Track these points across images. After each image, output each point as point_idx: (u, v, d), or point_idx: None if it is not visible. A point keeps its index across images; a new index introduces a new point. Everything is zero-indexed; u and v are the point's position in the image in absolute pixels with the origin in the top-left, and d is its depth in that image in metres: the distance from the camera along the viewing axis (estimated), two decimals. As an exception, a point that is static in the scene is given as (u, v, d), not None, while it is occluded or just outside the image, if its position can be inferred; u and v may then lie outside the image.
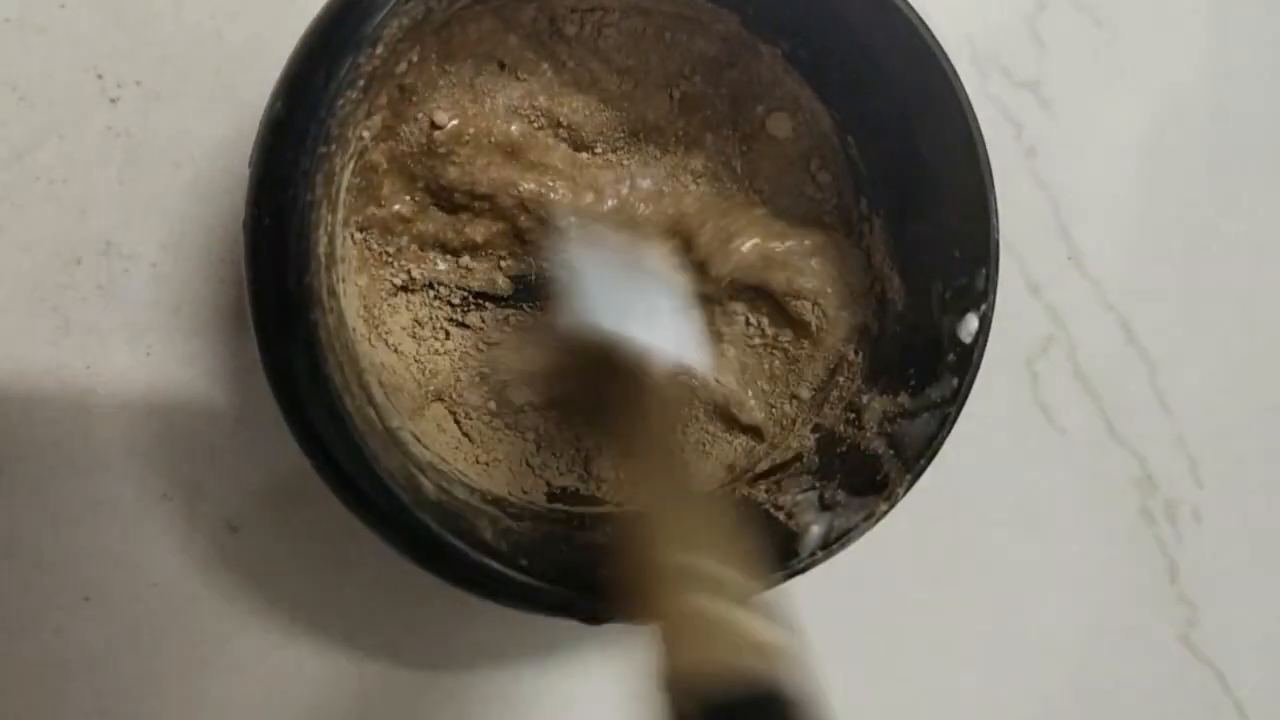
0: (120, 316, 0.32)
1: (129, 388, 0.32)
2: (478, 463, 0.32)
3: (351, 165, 0.28)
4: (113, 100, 0.32)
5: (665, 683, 0.20)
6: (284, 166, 0.24)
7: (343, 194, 0.28)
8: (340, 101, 0.25)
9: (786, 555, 0.29)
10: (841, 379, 0.33)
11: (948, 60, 0.28)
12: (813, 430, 0.33)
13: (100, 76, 0.32)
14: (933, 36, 0.28)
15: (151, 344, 0.32)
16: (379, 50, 0.25)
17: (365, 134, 0.28)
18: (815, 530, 0.29)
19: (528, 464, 0.33)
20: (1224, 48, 0.39)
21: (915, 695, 0.38)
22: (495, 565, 0.27)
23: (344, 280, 0.29)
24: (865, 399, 0.31)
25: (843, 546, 0.29)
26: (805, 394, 0.33)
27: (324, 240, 0.26)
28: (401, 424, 0.30)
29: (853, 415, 0.31)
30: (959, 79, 0.28)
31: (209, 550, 0.33)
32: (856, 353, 0.32)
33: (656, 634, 0.21)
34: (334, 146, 0.25)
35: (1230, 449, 0.39)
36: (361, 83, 0.26)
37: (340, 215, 0.28)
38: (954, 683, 0.38)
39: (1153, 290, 0.39)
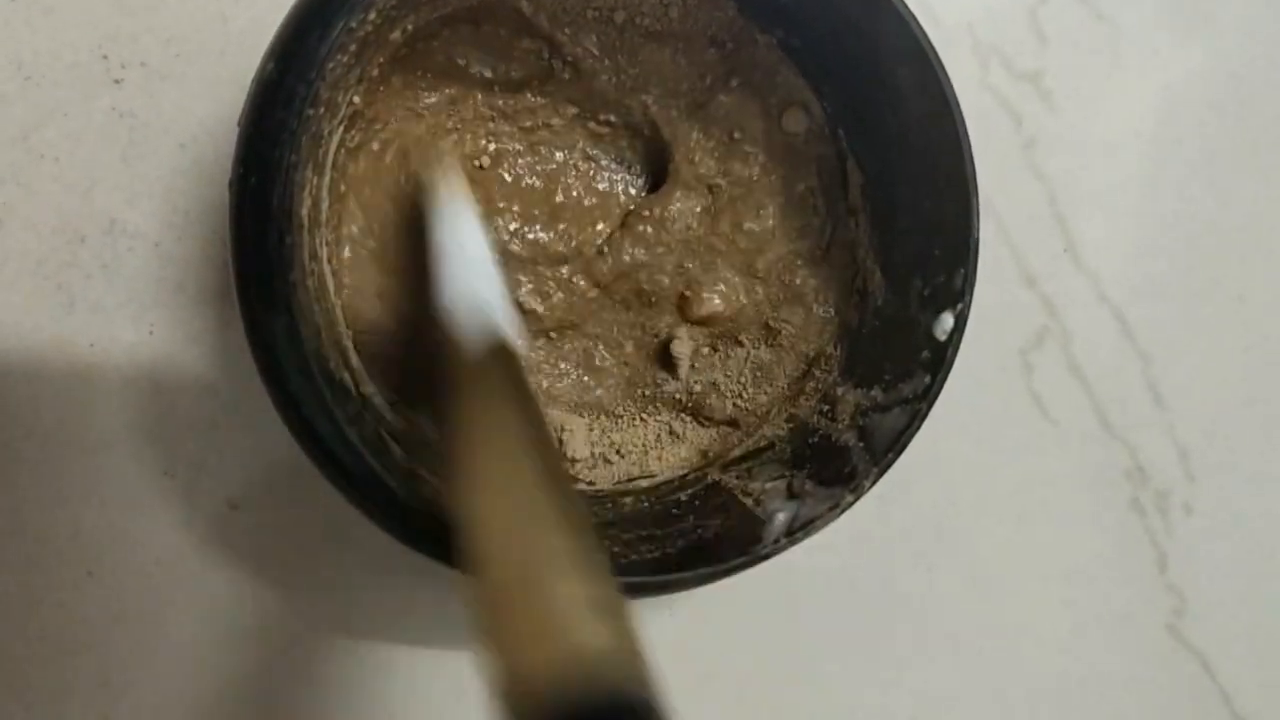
0: (124, 294, 0.33)
1: (132, 365, 0.33)
2: None
3: (341, 130, 0.28)
4: (117, 81, 0.32)
5: (503, 684, 0.18)
6: (272, 126, 0.24)
7: (330, 157, 0.28)
8: (330, 64, 0.25)
9: (751, 541, 0.29)
10: (819, 371, 0.33)
11: (937, 58, 0.28)
12: (787, 420, 0.33)
13: (106, 57, 0.32)
14: (923, 33, 0.28)
15: (154, 322, 0.33)
16: (371, 16, 0.25)
17: (356, 99, 0.28)
18: (780, 518, 0.29)
19: None
20: (1225, 44, 0.39)
21: (905, 680, 0.39)
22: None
23: (330, 242, 0.29)
24: (840, 391, 0.32)
25: (806, 535, 0.29)
26: (782, 384, 0.34)
27: (308, 202, 0.27)
28: (377, 389, 0.30)
29: (826, 407, 0.32)
30: (948, 78, 0.28)
31: (209, 527, 0.34)
32: (836, 346, 0.33)
33: (489, 624, 0.20)
34: (322, 109, 0.26)
35: (1221, 443, 0.40)
36: (353, 47, 0.26)
37: (328, 179, 0.28)
38: (943, 668, 0.39)
39: (1148, 284, 0.39)
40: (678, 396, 0.34)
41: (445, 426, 0.26)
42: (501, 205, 0.33)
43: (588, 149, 0.34)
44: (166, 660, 0.34)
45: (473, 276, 0.27)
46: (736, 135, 0.33)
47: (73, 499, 0.33)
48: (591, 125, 0.34)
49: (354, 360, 0.29)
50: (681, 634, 0.36)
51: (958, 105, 0.28)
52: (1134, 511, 0.39)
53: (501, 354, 0.26)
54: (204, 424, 0.33)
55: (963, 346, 0.38)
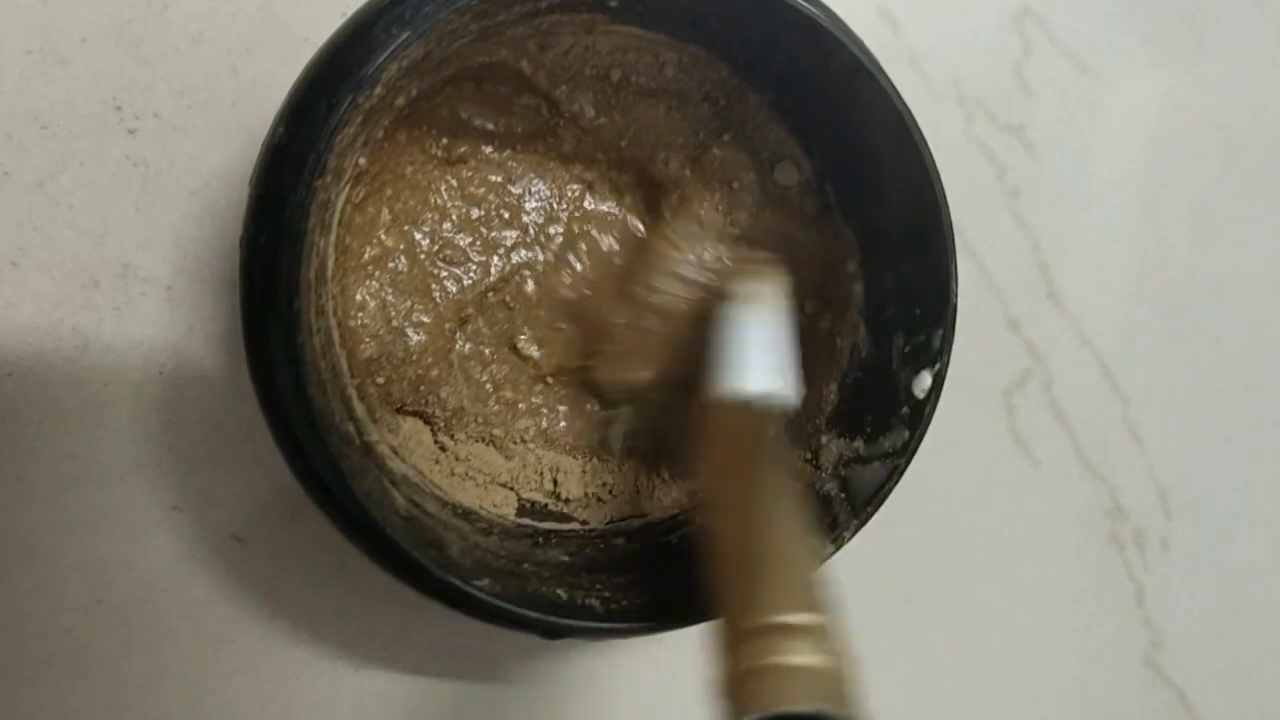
0: (136, 336, 0.34)
1: (143, 404, 0.34)
2: (452, 475, 0.34)
3: (347, 190, 0.29)
4: (131, 131, 0.33)
5: (723, 689, 0.22)
6: (283, 189, 0.25)
7: (337, 217, 0.29)
8: (339, 137, 0.26)
9: None
10: (806, 422, 0.34)
11: (918, 129, 0.29)
12: None
13: (119, 108, 0.33)
14: (904, 105, 0.29)
15: (165, 364, 0.34)
16: (378, 90, 0.27)
17: (361, 161, 0.30)
18: None
19: (498, 479, 0.34)
20: (1206, 96, 0.40)
21: (887, 712, 0.40)
22: (458, 583, 0.28)
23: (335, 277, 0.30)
24: (825, 440, 0.33)
25: None
26: (773, 431, 0.35)
27: (315, 264, 0.28)
28: (380, 438, 0.31)
29: (810, 455, 0.33)
30: (928, 150, 0.29)
31: (216, 559, 0.35)
32: (828, 398, 0.34)
33: (720, 642, 0.23)
34: (329, 177, 0.27)
35: (1199, 481, 0.41)
36: (360, 118, 0.27)
37: (333, 237, 0.30)
38: (924, 699, 0.40)
39: (1128, 327, 0.40)
40: None
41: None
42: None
43: (588, 201, 0.35)
44: (172, 689, 0.35)
45: (775, 365, 0.31)
46: (735, 185, 0.34)
47: (82, 530, 0.34)
48: (589, 176, 0.35)
49: (358, 410, 0.30)
50: (672, 667, 0.37)
51: (938, 178, 0.29)
52: (1113, 547, 0.40)
53: (769, 424, 0.29)
54: (211, 460, 0.34)
55: (948, 387, 0.39)
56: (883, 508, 0.39)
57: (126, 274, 0.33)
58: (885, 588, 0.39)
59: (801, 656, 0.22)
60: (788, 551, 0.25)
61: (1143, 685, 0.41)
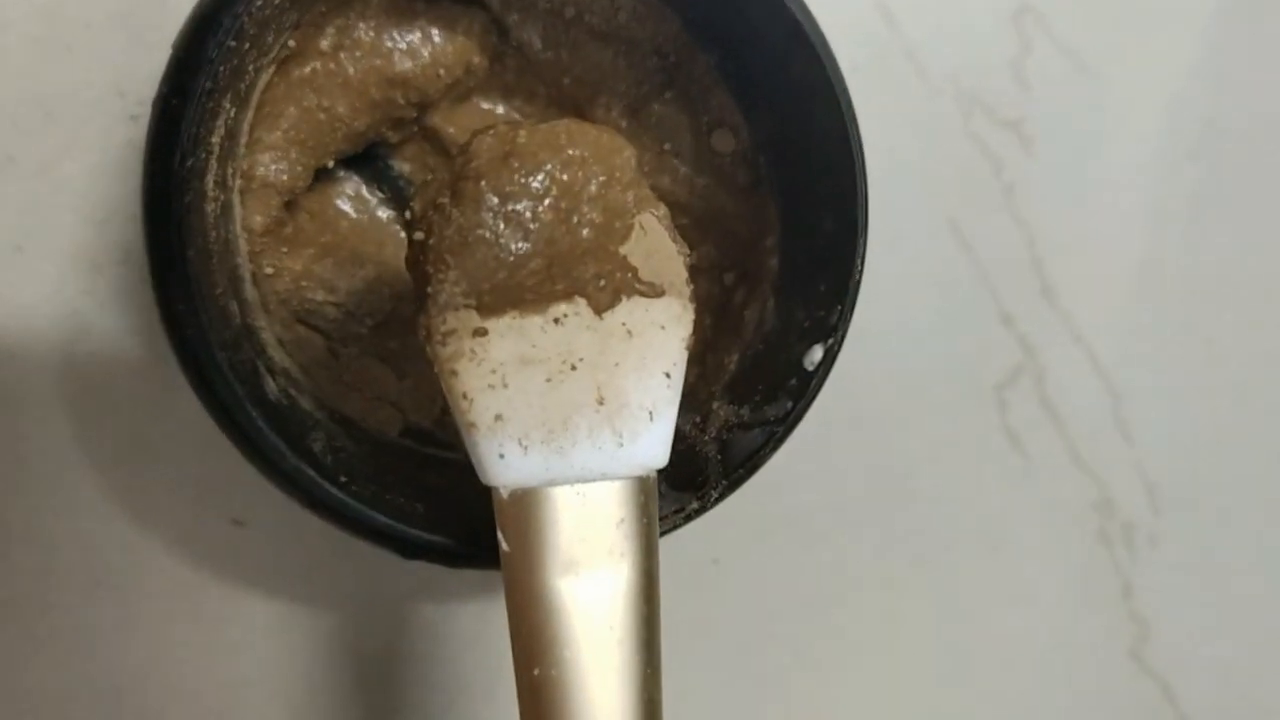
0: (137, 320, 0.34)
1: (146, 389, 0.34)
2: (340, 382, 0.33)
3: (271, 70, 0.30)
4: (133, 117, 0.33)
5: None
6: (200, 53, 0.26)
7: (257, 93, 0.30)
8: (259, 2, 0.26)
9: None
10: (703, 389, 0.34)
11: (848, 104, 0.29)
12: None
13: (122, 94, 0.33)
14: (837, 75, 0.29)
15: (166, 349, 0.34)
16: None
17: (291, 43, 0.30)
18: None
19: (388, 397, 0.34)
20: (1204, 96, 0.40)
21: (871, 704, 0.40)
22: (311, 473, 0.29)
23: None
24: (715, 405, 0.33)
25: None
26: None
27: (221, 131, 0.28)
28: (266, 325, 0.31)
29: (699, 418, 0.33)
30: (855, 124, 0.29)
31: (215, 542, 0.36)
32: (728, 368, 0.34)
33: None
34: (248, 45, 0.27)
35: (1188, 480, 0.41)
36: None
37: (250, 114, 0.30)
38: (909, 690, 0.41)
39: (1122, 325, 0.40)
40: None
41: None
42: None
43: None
44: (171, 669, 0.36)
45: None
46: (667, 148, 0.34)
47: (83, 512, 0.35)
48: (527, 110, 0.35)
49: (247, 292, 0.30)
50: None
51: (861, 156, 0.29)
52: (1101, 543, 0.41)
53: None
54: (212, 445, 0.35)
55: (939, 381, 0.40)
56: (870, 501, 0.40)
57: (129, 259, 0.34)
58: (871, 579, 0.40)
59: None
60: None
61: (1128, 677, 0.42)
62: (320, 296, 0.33)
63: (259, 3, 0.26)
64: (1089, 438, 0.40)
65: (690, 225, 0.35)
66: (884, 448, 0.39)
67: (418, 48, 0.32)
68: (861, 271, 0.30)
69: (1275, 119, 0.41)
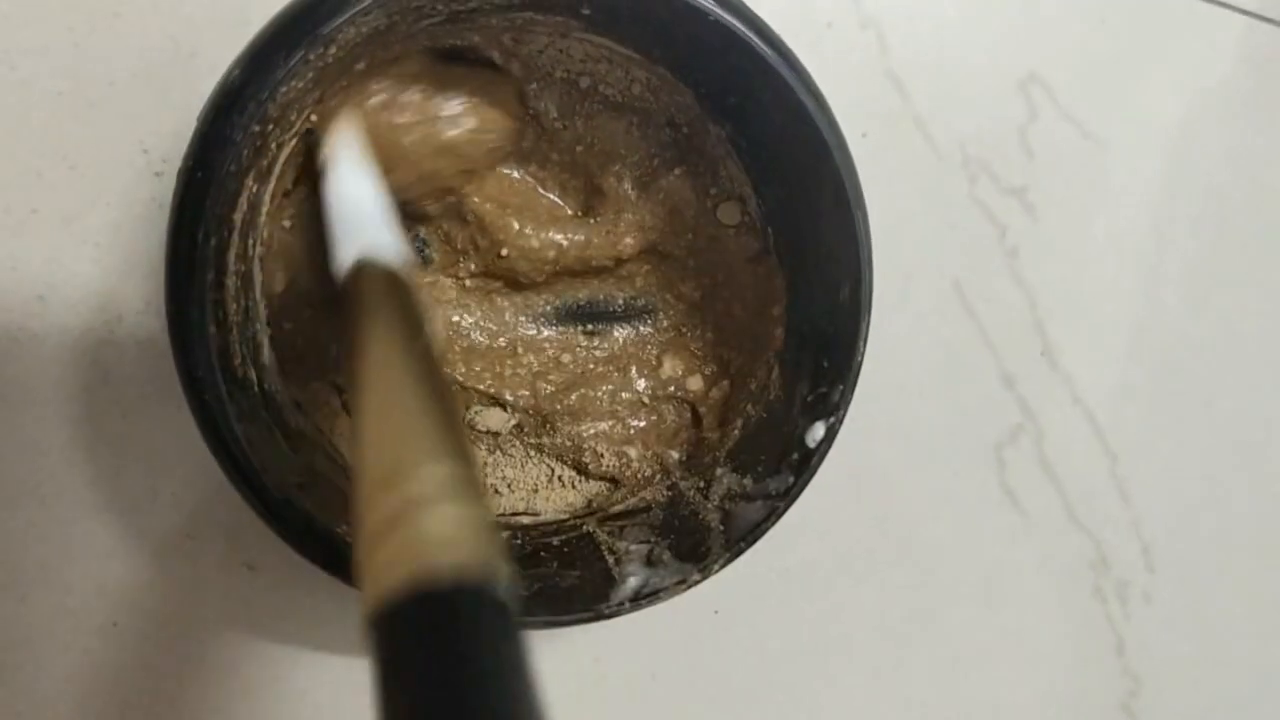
0: (156, 369, 0.35)
1: (162, 438, 0.35)
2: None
3: (291, 144, 0.30)
4: (157, 174, 0.34)
5: (364, 599, 0.18)
6: (225, 129, 0.27)
7: (278, 168, 0.30)
8: (284, 87, 0.27)
9: (598, 600, 0.31)
10: (707, 453, 0.35)
11: (855, 185, 0.30)
12: (668, 489, 0.35)
13: (146, 151, 0.34)
14: (844, 154, 0.29)
15: (182, 398, 0.35)
16: (332, 50, 0.27)
17: (314, 118, 0.30)
18: (632, 583, 0.31)
19: None
20: (1206, 163, 0.41)
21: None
22: (329, 529, 0.30)
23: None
24: (719, 473, 0.33)
25: (650, 604, 0.31)
26: (675, 456, 0.36)
27: (244, 207, 0.29)
28: (282, 389, 0.32)
29: (703, 484, 0.33)
30: (862, 205, 0.30)
31: (228, 586, 0.36)
32: (731, 433, 0.34)
33: (355, 536, 0.20)
34: (272, 125, 0.28)
35: (1182, 538, 0.42)
36: (312, 75, 0.28)
37: (272, 185, 0.30)
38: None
39: (1120, 387, 0.41)
40: (563, 444, 0.36)
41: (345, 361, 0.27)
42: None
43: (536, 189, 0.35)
44: (184, 705, 0.36)
45: (365, 224, 0.28)
46: (675, 217, 0.35)
47: (100, 555, 0.36)
48: (540, 175, 0.35)
49: (265, 357, 0.31)
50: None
51: (868, 236, 0.30)
52: (1096, 599, 0.42)
53: (387, 279, 0.27)
54: (225, 493, 0.35)
55: (941, 438, 0.40)
56: (870, 554, 0.40)
57: (148, 310, 0.35)
58: (871, 632, 0.40)
59: (438, 509, 0.19)
60: (417, 404, 0.22)
61: (1120, 731, 0.42)
62: (334, 350, 0.34)
63: (283, 89, 0.27)
64: (1086, 496, 0.41)
65: (697, 290, 0.35)
66: (885, 502, 0.40)
67: (459, 116, 0.33)
68: (864, 353, 0.31)
69: (1272, 188, 0.41)
